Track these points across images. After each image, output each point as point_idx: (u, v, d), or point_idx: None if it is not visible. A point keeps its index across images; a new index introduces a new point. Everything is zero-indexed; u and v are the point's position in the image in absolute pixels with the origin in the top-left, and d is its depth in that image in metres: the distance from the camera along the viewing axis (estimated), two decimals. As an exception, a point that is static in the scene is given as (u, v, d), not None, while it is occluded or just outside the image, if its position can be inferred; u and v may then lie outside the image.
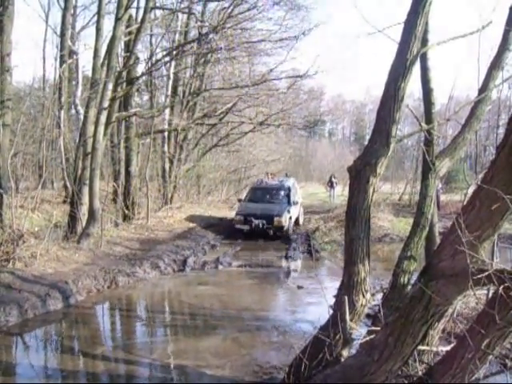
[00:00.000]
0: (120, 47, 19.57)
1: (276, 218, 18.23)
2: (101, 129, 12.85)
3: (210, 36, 19.47)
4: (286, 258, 14.56)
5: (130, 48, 16.52)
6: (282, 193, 20.57)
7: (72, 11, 25.30)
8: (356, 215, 5.36)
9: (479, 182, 3.58)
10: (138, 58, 18.85)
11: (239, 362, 6.40)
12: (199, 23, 20.79)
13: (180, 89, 24.64)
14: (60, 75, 21.31)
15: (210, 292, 10.33)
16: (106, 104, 12.93)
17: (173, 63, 22.24)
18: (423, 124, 6.04)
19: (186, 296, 10.03)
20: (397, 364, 4.04)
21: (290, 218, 19.09)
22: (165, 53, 20.37)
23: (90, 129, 13.66)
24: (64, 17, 22.27)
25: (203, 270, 12.33)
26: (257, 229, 18.05)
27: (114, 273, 10.72)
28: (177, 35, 23.16)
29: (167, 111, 22.64)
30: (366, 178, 5.38)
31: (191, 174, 27.31)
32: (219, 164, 30.70)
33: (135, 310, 9.46)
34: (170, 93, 23.35)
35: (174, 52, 19.58)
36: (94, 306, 9.19)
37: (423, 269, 3.98)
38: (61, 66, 21.75)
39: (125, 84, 16.74)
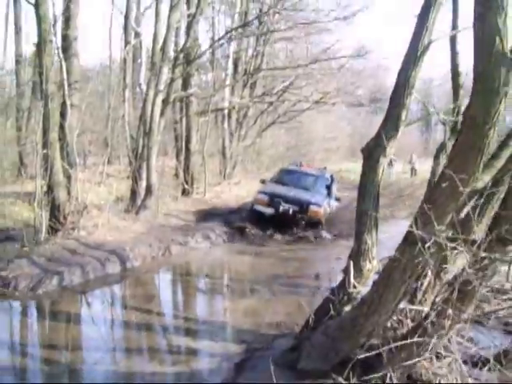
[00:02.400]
0: (183, 27, 20.47)
1: (312, 207, 14.52)
2: (157, 109, 13.88)
3: (266, 18, 20.20)
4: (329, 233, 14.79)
5: (191, 29, 17.27)
6: (322, 182, 16.48)
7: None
8: (366, 191, 6.03)
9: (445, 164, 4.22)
10: (196, 40, 19.57)
11: (266, 319, 7.34)
12: (255, 5, 21.50)
13: (240, 67, 25.41)
14: (124, 56, 22.38)
15: (253, 261, 11.26)
16: (161, 87, 13.89)
17: (233, 43, 23.00)
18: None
19: (232, 264, 11.00)
20: (382, 317, 4.75)
21: (329, 213, 15.66)
22: (223, 33, 21.02)
23: (150, 108, 14.68)
24: (128, -1, 23.36)
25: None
26: (284, 215, 14.39)
27: (167, 242, 11.75)
28: (236, 16, 23.91)
29: (227, 89, 23.48)
30: (376, 158, 6.03)
31: (250, 151, 28.19)
32: (279, 140, 31.45)
33: (185, 275, 10.42)
34: (229, 72, 24.18)
35: (233, 33, 20.28)
36: (149, 270, 10.21)
37: (404, 236, 4.65)
38: (125, 46, 22.81)
39: (184, 65, 17.61)
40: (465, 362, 5.24)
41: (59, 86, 12.84)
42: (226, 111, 24.09)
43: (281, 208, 14.31)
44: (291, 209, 14.34)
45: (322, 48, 23.96)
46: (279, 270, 10.47)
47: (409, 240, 4.49)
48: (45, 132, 11.28)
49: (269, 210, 14.47)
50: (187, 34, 16.52)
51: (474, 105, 3.78)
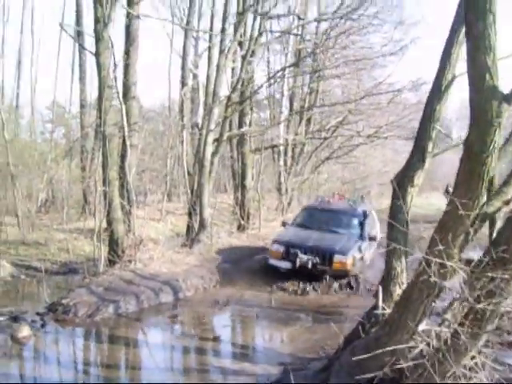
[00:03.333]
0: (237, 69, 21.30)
1: (337, 257, 11.87)
2: (208, 148, 14.53)
3: (317, 56, 20.76)
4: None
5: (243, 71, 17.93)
6: (352, 220, 13.87)
7: (195, 34, 27.48)
8: (396, 219, 6.35)
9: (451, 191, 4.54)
10: (251, 79, 20.22)
11: (306, 344, 7.86)
12: (307, 43, 22.12)
13: (296, 104, 26.05)
14: (181, 97, 23.37)
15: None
16: (212, 126, 14.57)
17: (287, 81, 23.73)
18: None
19: (278, 295, 11.26)
20: (403, 336, 5.03)
21: (362, 259, 12.72)
22: (272, 73, 21.65)
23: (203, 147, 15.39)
24: (184, 43, 24.51)
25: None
26: (303, 269, 11.93)
27: (219, 274, 12.25)
28: (289, 55, 24.71)
29: (282, 126, 24.12)
30: (404, 188, 6.37)
31: (306, 186, 28.61)
32: (334, 175, 31.82)
33: (236, 304, 10.72)
34: (283, 109, 24.88)
35: (286, 71, 20.94)
36: (200, 301, 10.66)
37: (421, 260, 4.95)
38: (182, 88, 23.83)
39: (238, 104, 18.30)
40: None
41: (120, 127, 13.71)
42: (281, 148, 24.65)
43: (298, 261, 11.90)
44: (310, 261, 11.88)
45: (374, 83, 24.22)
46: (322, 301, 10.78)
47: (423, 262, 4.80)
48: (104, 171, 12.10)
49: (284, 265, 12.20)
50: (239, 74, 17.24)
51: (472, 135, 4.12)
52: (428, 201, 42.47)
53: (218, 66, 14.84)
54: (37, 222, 17.89)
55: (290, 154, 26.10)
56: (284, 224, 14.57)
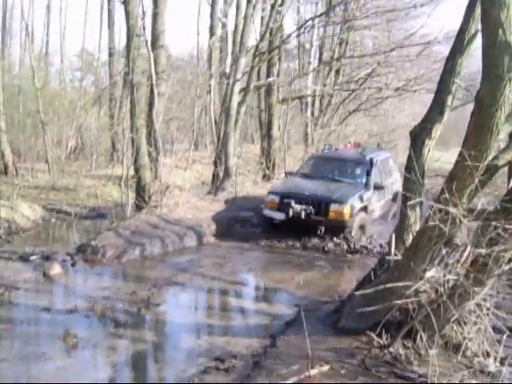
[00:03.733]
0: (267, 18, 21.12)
1: (334, 206, 11.10)
2: (234, 97, 14.71)
3: (348, 5, 20.51)
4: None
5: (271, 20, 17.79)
6: (358, 168, 12.84)
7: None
8: (412, 170, 6.52)
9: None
10: (279, 28, 20.02)
11: (322, 288, 8.21)
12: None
13: (325, 55, 25.81)
14: (209, 46, 23.34)
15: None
16: (238, 76, 14.71)
17: (316, 31, 23.47)
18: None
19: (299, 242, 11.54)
20: (411, 281, 5.29)
21: (364, 208, 11.75)
22: (302, 22, 21.41)
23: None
24: (214, -9, 24.32)
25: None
26: (296, 219, 11.21)
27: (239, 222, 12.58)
28: (319, 4, 24.37)
29: (310, 77, 23.98)
30: (422, 140, 6.51)
31: (332, 138, 28.52)
32: (362, 128, 31.64)
33: (259, 250, 11.02)
34: (312, 60, 24.71)
35: (316, 20, 20.74)
36: (222, 245, 11.06)
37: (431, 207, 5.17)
38: (211, 37, 23.78)
39: (266, 53, 18.29)
40: (499, 331, 5.68)
41: (148, 76, 13.88)
42: (309, 99, 24.58)
43: (291, 211, 11.14)
44: (304, 211, 11.10)
45: (405, 35, 23.79)
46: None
47: (430, 210, 5.02)
48: (132, 118, 12.39)
49: (278, 215, 11.53)
50: (267, 23, 17.17)
51: (483, 89, 4.27)
52: (455, 156, 42.18)
53: (245, 16, 14.86)
54: (66, 168, 18.40)
55: (317, 105, 26.00)
56: (287, 174, 13.97)
